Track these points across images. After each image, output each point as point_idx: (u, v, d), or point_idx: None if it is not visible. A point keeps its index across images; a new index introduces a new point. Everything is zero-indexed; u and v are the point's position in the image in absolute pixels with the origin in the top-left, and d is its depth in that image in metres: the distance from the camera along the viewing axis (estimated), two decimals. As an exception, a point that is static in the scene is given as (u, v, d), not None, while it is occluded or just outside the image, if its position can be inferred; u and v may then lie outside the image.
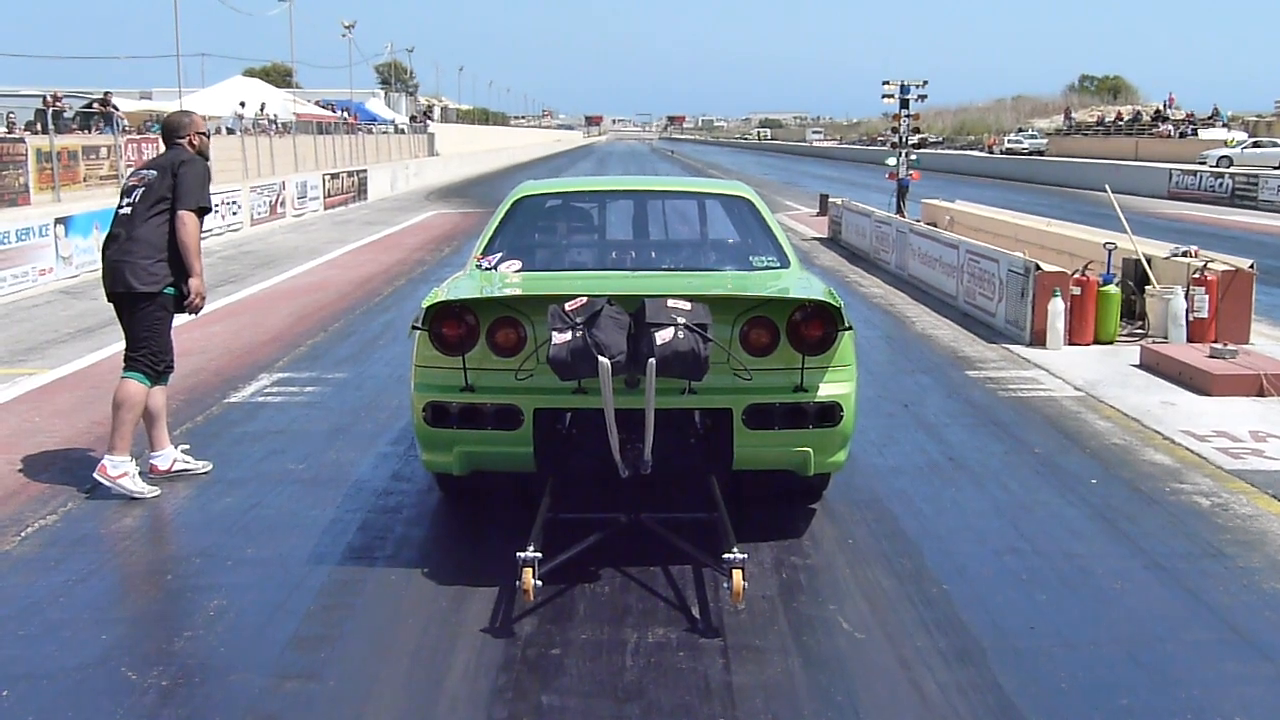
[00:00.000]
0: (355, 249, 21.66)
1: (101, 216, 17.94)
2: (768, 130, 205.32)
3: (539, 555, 4.91)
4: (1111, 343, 11.66)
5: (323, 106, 50.00)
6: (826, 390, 5.42)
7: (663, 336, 4.91)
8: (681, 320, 4.96)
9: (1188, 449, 7.93)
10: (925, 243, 16.20)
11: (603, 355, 4.86)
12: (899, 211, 21.86)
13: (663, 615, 5.09)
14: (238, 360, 10.82)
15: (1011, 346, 11.64)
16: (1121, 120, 67.54)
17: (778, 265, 6.39)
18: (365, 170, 37.65)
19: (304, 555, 5.86)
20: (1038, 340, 11.54)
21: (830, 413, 5.44)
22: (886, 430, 8.35)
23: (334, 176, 33.38)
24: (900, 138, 23.05)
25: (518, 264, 6.23)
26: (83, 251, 16.93)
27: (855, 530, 6.24)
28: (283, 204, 27.79)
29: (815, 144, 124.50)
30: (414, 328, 5.46)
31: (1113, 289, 11.81)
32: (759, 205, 7.03)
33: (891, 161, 23.28)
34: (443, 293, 5.63)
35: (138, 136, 24.64)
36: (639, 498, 5.70)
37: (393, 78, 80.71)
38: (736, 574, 4.84)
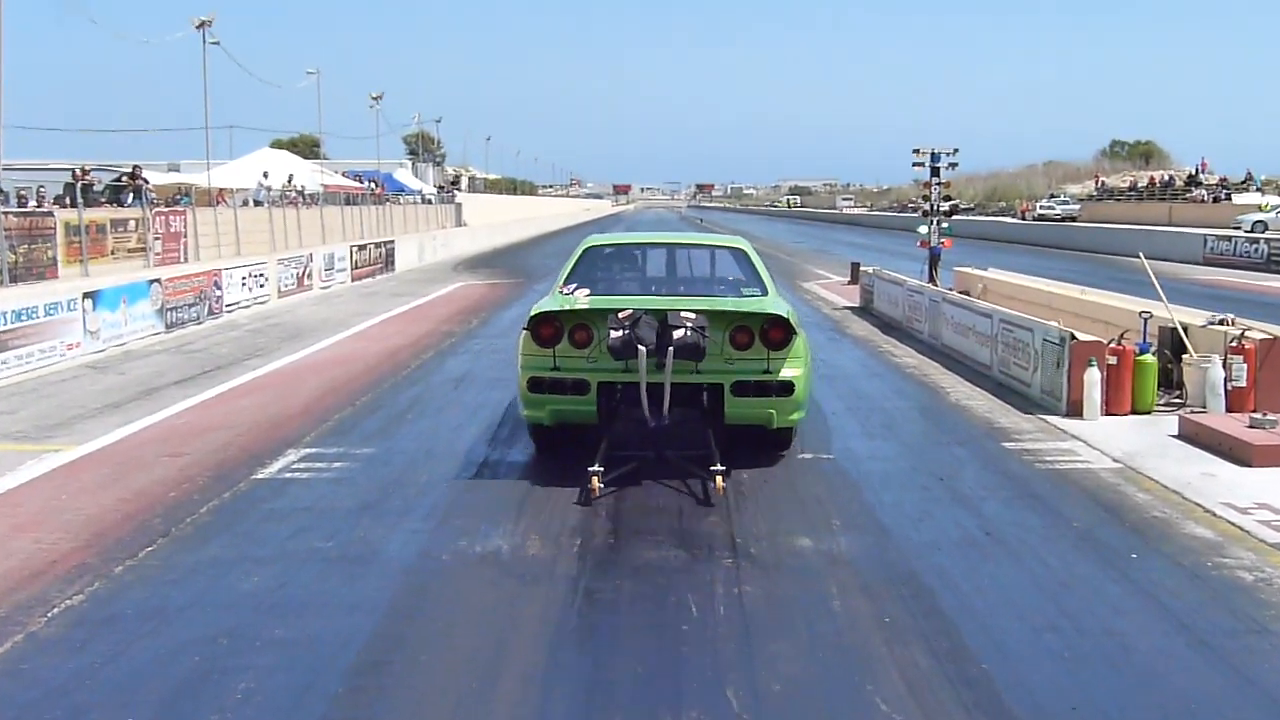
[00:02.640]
0: (383, 321, 21.82)
1: (130, 290, 18.18)
2: (797, 198, 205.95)
3: (602, 469, 7.95)
4: (1149, 413, 11.60)
5: (350, 177, 50.51)
6: (785, 373, 8.32)
7: (677, 334, 7.81)
8: (689, 324, 7.85)
9: (1229, 522, 7.87)
10: (958, 311, 16.20)
11: (641, 345, 7.78)
12: (931, 280, 21.88)
13: (675, 506, 7.81)
14: (265, 435, 10.89)
15: (1048, 417, 11.59)
16: (1154, 185, 67.55)
17: (759, 294, 9.09)
18: (392, 241, 37.99)
19: (332, 636, 5.86)
20: (1074, 410, 11.49)
21: (788, 387, 8.31)
22: (922, 504, 8.31)
23: (361, 248, 33.70)
24: (931, 205, 23.11)
25: (586, 290, 8.89)
26: (110, 325, 17.14)
27: (891, 607, 6.20)
28: (310, 276, 28.06)
29: (845, 211, 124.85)
30: (523, 329, 8.37)
31: (1149, 358, 11.78)
32: (750, 253, 9.80)
33: (923, 230, 23.32)
34: (540, 307, 8.47)
35: (166, 209, 24.97)
36: (662, 441, 8.65)
37: (420, 148, 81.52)
38: (718, 478, 7.88)
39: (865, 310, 22.78)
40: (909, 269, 23.60)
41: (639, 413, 8.16)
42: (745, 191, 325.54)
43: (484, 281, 32.36)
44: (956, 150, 22.94)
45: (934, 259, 23.03)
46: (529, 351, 8.56)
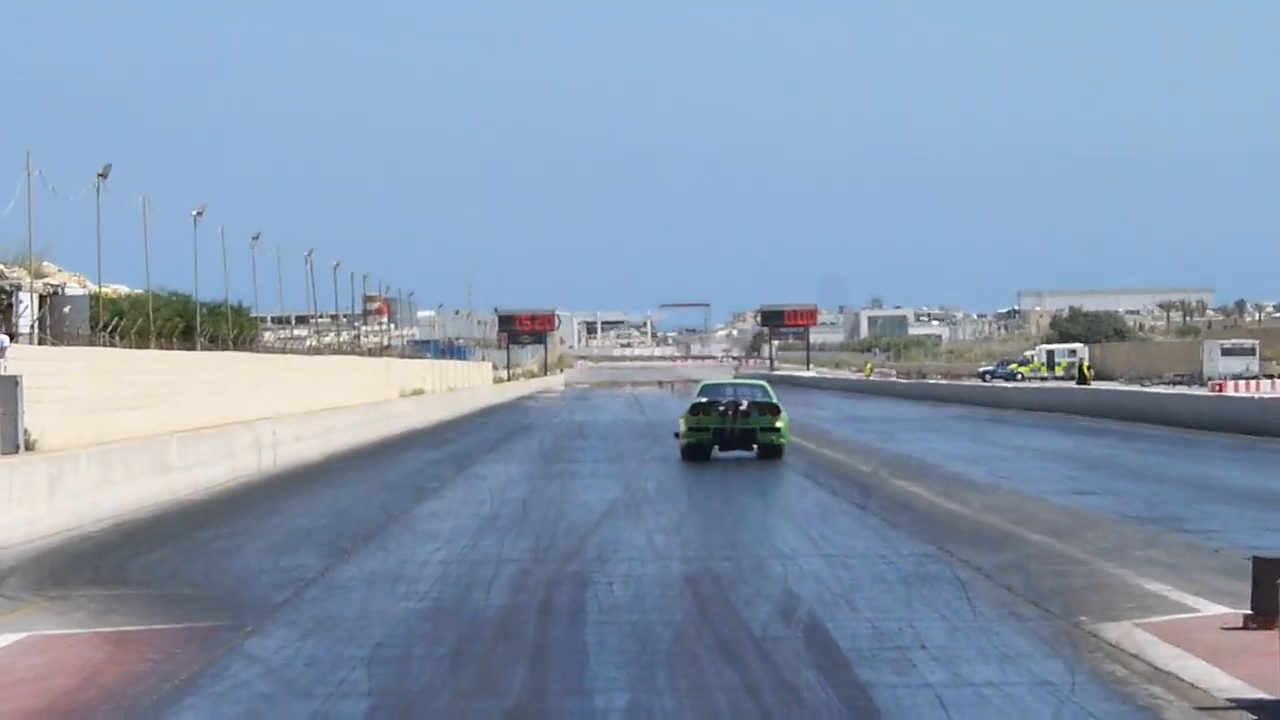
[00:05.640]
0: None
1: None
2: (1079, 350, 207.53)
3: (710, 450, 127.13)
4: None
5: None
6: (776, 424, 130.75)
7: (742, 408, 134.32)
8: (743, 405, 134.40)
9: None
10: None
11: (727, 410, 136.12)
12: None
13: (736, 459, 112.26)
14: None
15: None
16: None
17: (770, 398, 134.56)
18: None
19: None
20: None
21: (778, 430, 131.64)
22: None
23: None
24: None
25: (705, 398, 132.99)
26: None
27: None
28: None
29: (1233, 388, 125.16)
30: (687, 411, 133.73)
31: None
32: (769, 387, 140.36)
33: None
34: (694, 399, 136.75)
35: None
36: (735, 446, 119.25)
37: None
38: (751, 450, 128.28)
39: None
40: None
41: (727, 438, 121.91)
42: (926, 325, 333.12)
43: (92, 629, 32.55)
44: None
45: None
46: (689, 416, 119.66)
